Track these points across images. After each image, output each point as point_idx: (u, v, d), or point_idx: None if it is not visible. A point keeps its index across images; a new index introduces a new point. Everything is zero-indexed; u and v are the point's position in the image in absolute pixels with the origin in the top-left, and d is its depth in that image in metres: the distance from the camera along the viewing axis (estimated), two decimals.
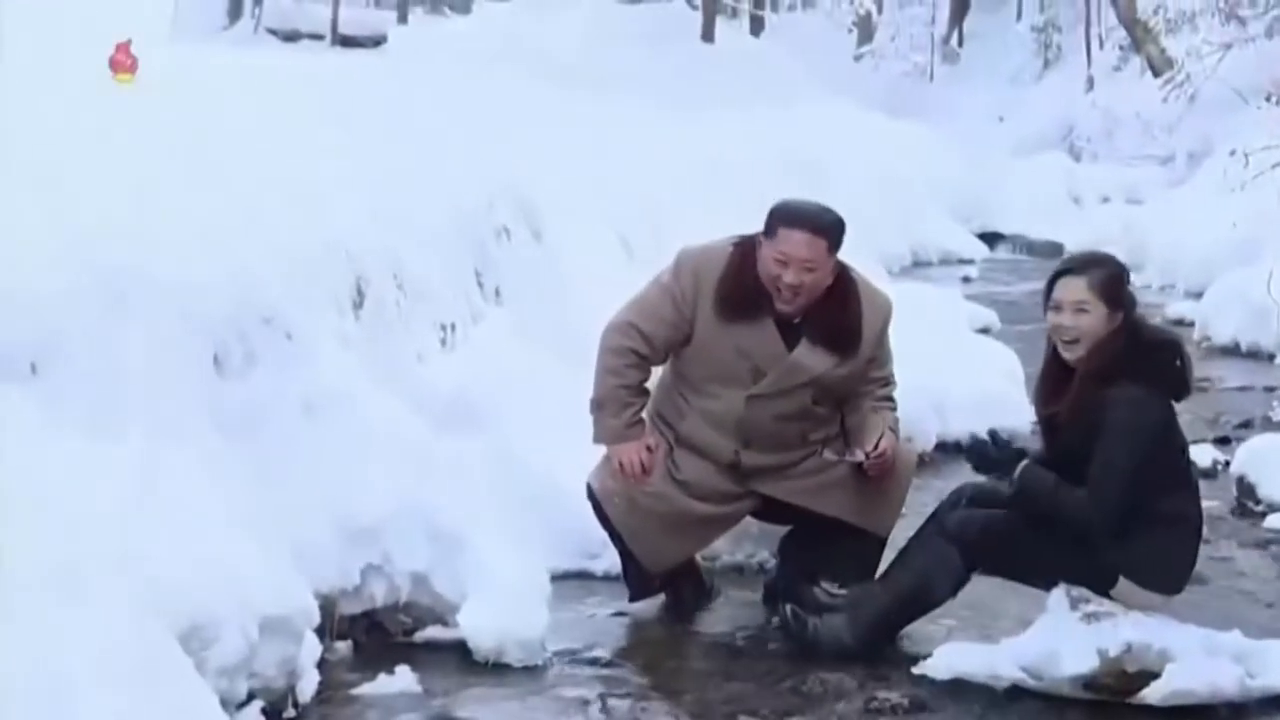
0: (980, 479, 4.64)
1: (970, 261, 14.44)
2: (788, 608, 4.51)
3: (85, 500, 3.52)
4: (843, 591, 4.47)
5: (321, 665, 4.02)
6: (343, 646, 4.31)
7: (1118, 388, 4.21)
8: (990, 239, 15.69)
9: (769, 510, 4.70)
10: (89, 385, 3.97)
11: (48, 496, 3.46)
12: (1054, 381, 4.38)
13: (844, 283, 4.54)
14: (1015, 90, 25.19)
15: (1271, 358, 9.22)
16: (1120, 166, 18.58)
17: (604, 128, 10.20)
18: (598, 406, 4.57)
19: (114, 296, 4.15)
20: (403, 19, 28.37)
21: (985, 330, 9.11)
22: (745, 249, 4.52)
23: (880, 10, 28.73)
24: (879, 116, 17.55)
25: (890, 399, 4.67)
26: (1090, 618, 4.17)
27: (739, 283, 4.48)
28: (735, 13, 28.11)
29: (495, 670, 4.25)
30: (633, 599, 4.74)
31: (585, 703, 4.08)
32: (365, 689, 4.08)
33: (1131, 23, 21.02)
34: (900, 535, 4.64)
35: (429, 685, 4.13)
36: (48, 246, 4.17)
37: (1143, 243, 13.06)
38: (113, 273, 4.19)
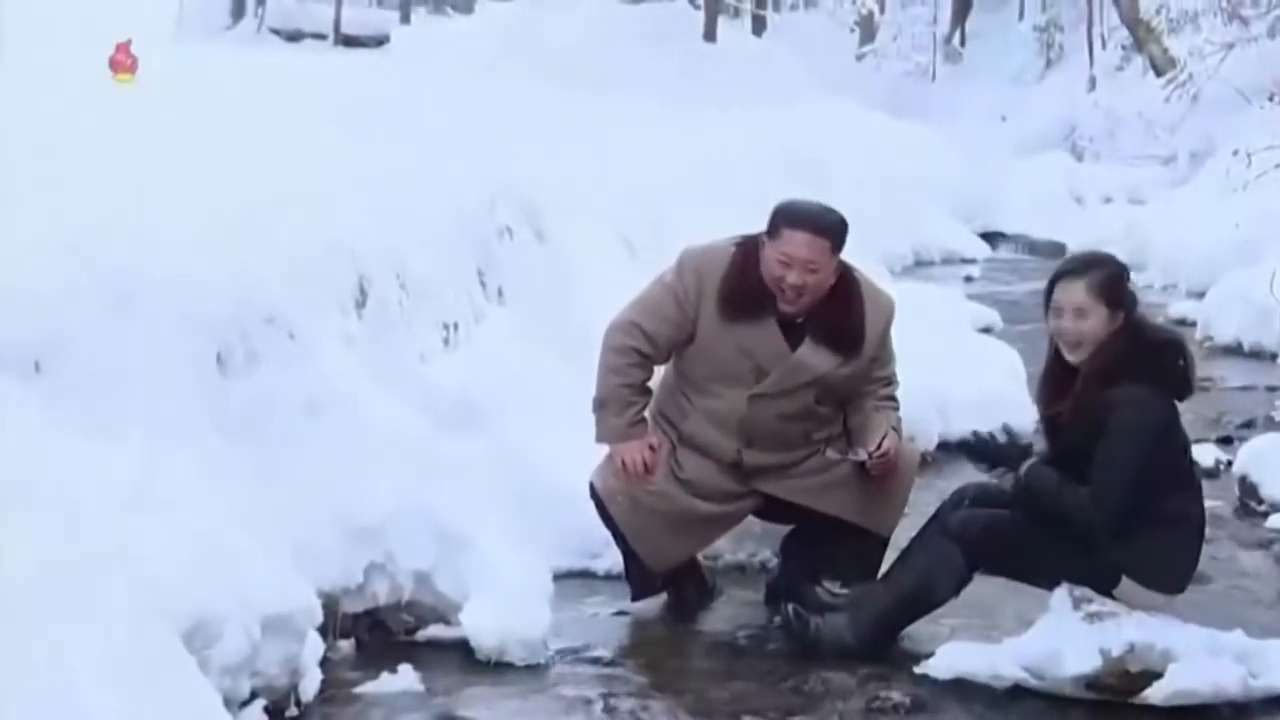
0: (982, 479, 4.65)
1: (972, 261, 14.43)
2: (790, 607, 4.51)
3: (87, 499, 3.53)
4: (845, 591, 4.47)
5: (324, 664, 4.02)
6: (345, 645, 4.31)
7: (1121, 388, 4.21)
8: (992, 239, 15.68)
9: (771, 509, 4.70)
10: (91, 384, 3.97)
11: (50, 495, 3.46)
12: (1057, 382, 4.38)
13: (847, 282, 4.54)
14: (1017, 90, 25.17)
15: (1274, 357, 9.21)
16: (1122, 166, 18.57)
17: (606, 127, 10.21)
18: (600, 405, 4.58)
19: (116, 296, 4.16)
20: (405, 19, 28.38)
21: (987, 330, 9.11)
22: (748, 249, 4.52)
23: (882, 10, 28.69)
24: (881, 116, 17.54)
25: (893, 398, 4.67)
26: (1093, 617, 4.17)
27: (742, 282, 4.48)
28: (737, 12, 28.11)
29: (497, 669, 4.26)
30: (635, 598, 4.74)
31: (587, 702, 4.09)
32: (368, 687, 4.08)
33: (1134, 22, 21.01)
34: (903, 535, 4.64)
35: (431, 684, 4.13)
36: (50, 246, 4.17)
37: (1145, 242, 13.06)
38: (115, 272, 4.19)
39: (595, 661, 4.37)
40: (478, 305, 5.96)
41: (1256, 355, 9.30)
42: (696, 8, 23.91)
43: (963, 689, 4.18)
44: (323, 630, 4.01)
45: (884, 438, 4.52)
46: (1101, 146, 20.30)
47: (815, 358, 4.50)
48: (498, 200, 6.41)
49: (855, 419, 4.63)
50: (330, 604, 4.14)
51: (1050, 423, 4.42)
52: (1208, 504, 4.50)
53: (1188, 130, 18.08)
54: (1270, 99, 15.26)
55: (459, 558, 4.36)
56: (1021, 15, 27.86)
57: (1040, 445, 4.54)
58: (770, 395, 4.50)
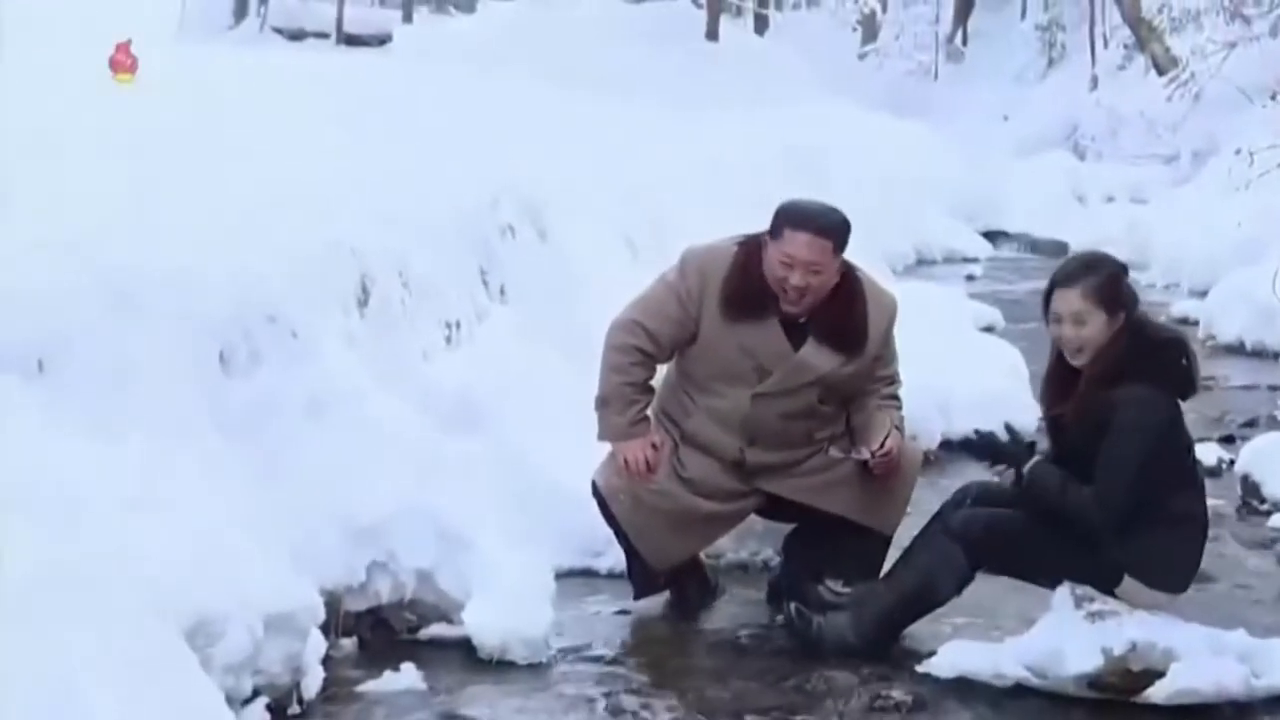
0: (985, 477, 4.64)
1: (974, 260, 14.43)
2: (792, 606, 4.51)
3: (89, 498, 3.53)
4: (847, 590, 4.47)
5: (326, 662, 4.02)
6: (348, 643, 4.31)
7: (1123, 387, 4.21)
8: (994, 237, 15.68)
9: (774, 508, 4.70)
10: (93, 384, 3.98)
11: (50, 495, 3.46)
12: (1060, 382, 4.38)
13: (850, 282, 4.53)
14: (1019, 89, 25.17)
15: (1276, 356, 9.21)
16: (1124, 165, 18.57)
17: (608, 126, 10.21)
18: (603, 404, 4.58)
19: (117, 295, 4.16)
20: (408, 18, 28.39)
21: (989, 329, 9.10)
22: (750, 248, 4.51)
23: (885, 9, 28.69)
24: (883, 115, 17.55)
25: (896, 397, 4.67)
26: (1095, 616, 4.17)
27: (744, 282, 4.48)
28: (740, 11, 28.12)
29: (499, 668, 4.26)
30: (637, 597, 4.74)
31: (589, 700, 4.09)
32: (370, 686, 4.08)
33: (1136, 21, 21.01)
34: (905, 534, 4.64)
35: (433, 682, 4.13)
36: (51, 245, 4.18)
37: (1147, 242, 13.06)
38: (116, 271, 4.19)
39: (597, 660, 4.37)
40: (480, 304, 5.97)
41: (1259, 354, 9.30)
42: (699, 7, 23.90)
43: (965, 688, 4.18)
44: (325, 629, 4.02)
45: (887, 437, 4.52)
46: (1103, 145, 20.30)
47: (818, 357, 4.50)
48: (500, 199, 6.41)
49: (858, 418, 4.63)
50: (332, 602, 4.14)
51: (1053, 423, 4.42)
52: (1210, 503, 4.50)
53: (1190, 129, 18.08)
54: (1273, 98, 15.28)
55: (461, 556, 4.36)
56: (1024, 14, 27.86)
57: (1044, 444, 4.54)
58: (773, 394, 4.50)
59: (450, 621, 4.38)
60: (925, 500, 4.89)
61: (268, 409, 4.36)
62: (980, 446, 4.48)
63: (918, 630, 4.50)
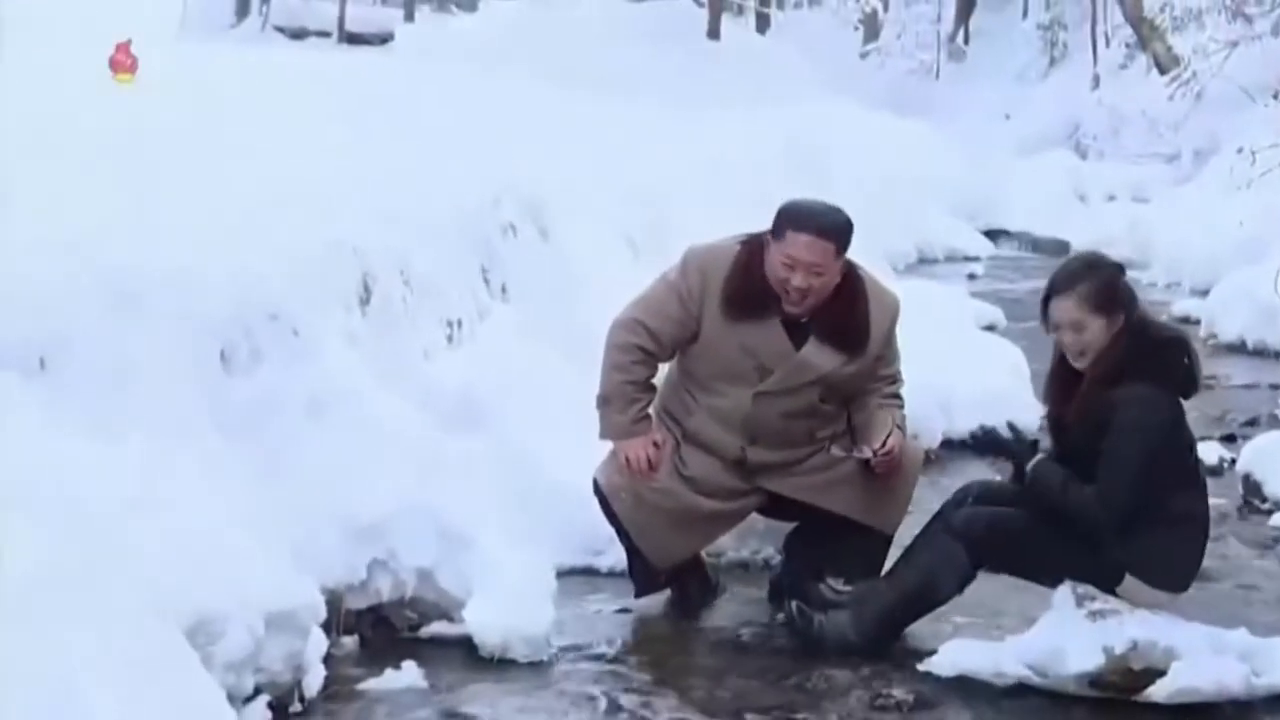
0: (986, 476, 4.64)
1: (976, 259, 14.43)
2: (793, 604, 4.51)
3: (89, 497, 3.53)
4: (848, 588, 4.47)
5: (327, 660, 4.02)
6: (349, 642, 4.31)
7: (1125, 387, 4.21)
8: (996, 236, 15.68)
9: (775, 507, 4.70)
10: (93, 383, 3.98)
11: (51, 494, 3.46)
12: (1063, 382, 4.38)
13: (852, 281, 4.53)
14: (1021, 88, 25.16)
15: (1278, 355, 9.21)
16: (1126, 164, 18.57)
17: (609, 125, 10.21)
18: (604, 402, 4.58)
19: (118, 294, 4.16)
20: (409, 17, 28.38)
21: (991, 327, 9.10)
22: (752, 248, 4.51)
23: (886, 8, 28.68)
24: (885, 114, 17.54)
25: (897, 396, 4.67)
26: (1096, 615, 4.17)
27: (745, 282, 4.47)
28: (741, 10, 28.11)
29: (500, 666, 4.26)
30: (638, 595, 4.74)
31: (590, 698, 4.09)
32: (371, 684, 4.09)
33: (1138, 20, 21.00)
34: (906, 533, 4.64)
35: (434, 680, 4.13)
36: (51, 244, 4.18)
37: (1149, 241, 13.06)
38: (117, 270, 4.20)
39: (598, 658, 4.37)
40: (481, 302, 5.97)
41: (1260, 353, 9.30)
42: (700, 5, 23.90)
43: (966, 686, 4.18)
44: (326, 627, 4.02)
45: (888, 435, 4.52)
46: (1105, 144, 20.29)
47: (819, 357, 4.50)
48: (501, 198, 6.41)
49: (859, 416, 4.62)
50: (333, 600, 4.14)
51: (1055, 422, 4.42)
52: (1211, 502, 4.49)
53: (1192, 128, 18.07)
54: (1275, 96, 15.27)
55: (462, 555, 4.36)
56: (1025, 13, 27.84)
57: (1045, 442, 4.54)
58: (774, 393, 4.50)
59: (451, 620, 4.38)
60: (926, 499, 4.89)
61: (269, 408, 4.36)
62: (983, 442, 4.48)
63: (919, 629, 4.50)
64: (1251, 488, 6.01)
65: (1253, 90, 16.75)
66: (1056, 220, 15.78)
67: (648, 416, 4.61)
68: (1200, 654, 4.09)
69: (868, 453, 4.51)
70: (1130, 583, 4.26)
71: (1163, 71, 19.78)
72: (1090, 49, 23.81)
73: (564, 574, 4.75)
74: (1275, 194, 11.18)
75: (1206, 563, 4.49)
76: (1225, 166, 12.71)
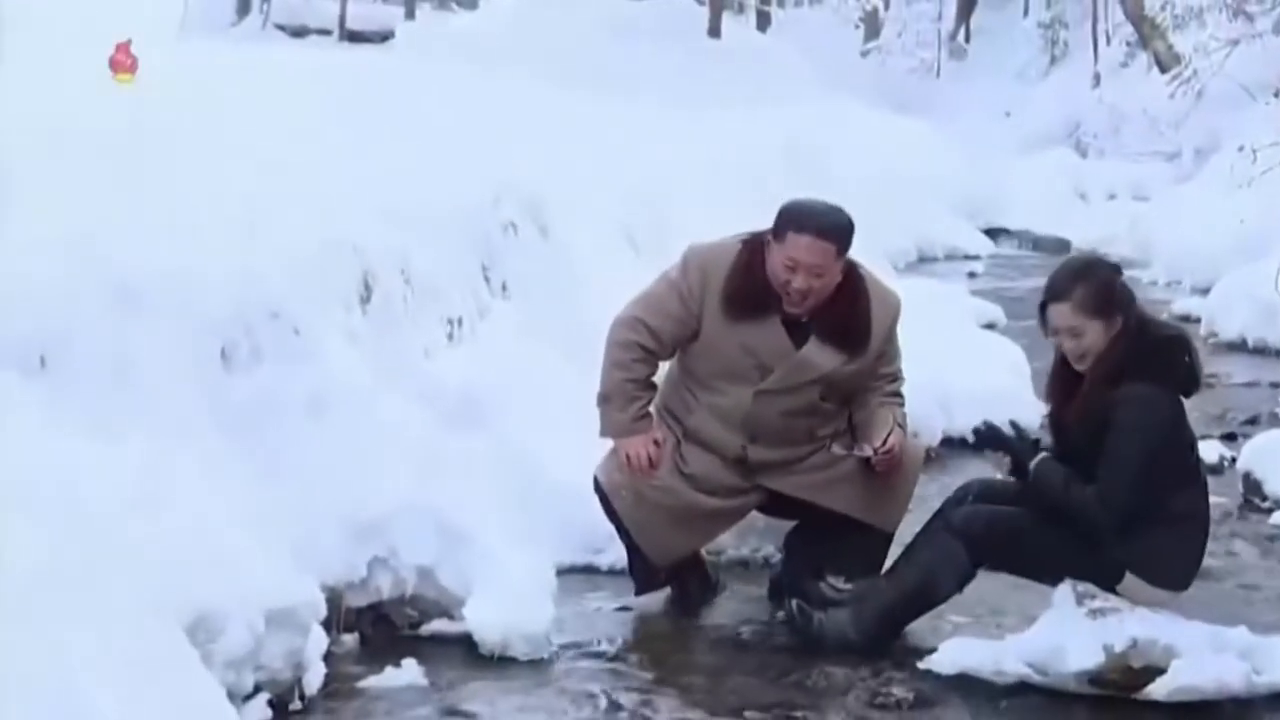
0: (986, 474, 4.64)
1: (976, 257, 14.43)
2: (793, 602, 4.51)
3: (90, 494, 3.53)
4: (848, 586, 4.47)
5: (327, 658, 4.02)
6: (349, 639, 4.31)
7: (1126, 386, 4.21)
8: (996, 235, 15.68)
9: (775, 505, 4.70)
10: (94, 381, 3.98)
11: (52, 492, 3.46)
12: (1064, 382, 4.38)
13: (853, 280, 4.52)
14: (1022, 86, 25.16)
15: (1278, 354, 9.21)
16: (1127, 162, 18.57)
17: (610, 124, 10.20)
18: (604, 400, 4.58)
19: (120, 292, 4.16)
20: (410, 14, 28.36)
21: (991, 326, 9.10)
22: (753, 247, 4.51)
23: (887, 6, 28.66)
24: (885, 112, 17.54)
25: (898, 394, 4.67)
26: (1096, 613, 4.17)
27: (746, 281, 4.47)
28: (742, 8, 28.09)
29: (501, 664, 4.26)
30: (638, 593, 4.74)
31: (590, 696, 4.09)
32: (371, 682, 4.09)
33: (1138, 19, 20.99)
34: (907, 531, 4.64)
35: (435, 678, 4.14)
36: (52, 243, 4.18)
37: (1149, 239, 13.05)
38: (117, 268, 4.20)
39: (598, 656, 4.37)
40: (482, 301, 5.97)
41: (1261, 351, 9.30)
42: (701, 3, 23.89)
43: (966, 685, 4.18)
44: (326, 624, 4.02)
45: (889, 434, 4.51)
46: (1106, 143, 20.28)
47: (820, 356, 4.49)
48: (501, 196, 6.41)
49: (860, 415, 4.62)
50: (334, 598, 4.15)
51: (1057, 422, 4.42)
52: (1212, 500, 4.49)
53: (1192, 126, 18.06)
54: (1275, 95, 15.26)
55: (462, 553, 4.36)
56: (1026, 12, 27.83)
57: (1046, 440, 4.53)
58: (775, 392, 4.50)
59: (451, 617, 4.38)
60: (926, 497, 4.90)
61: (269, 406, 4.37)
62: (985, 436, 4.46)
63: (919, 627, 4.50)
64: (1252, 486, 6.01)
65: (1253, 88, 16.75)
66: (1057, 218, 15.78)
67: (648, 414, 4.61)
68: (1200, 652, 4.09)
69: (868, 451, 4.51)
70: (1131, 581, 4.26)
71: (1163, 70, 19.77)
72: (1091, 47, 23.81)
73: (564, 572, 4.76)
74: (1276, 192, 11.16)
75: (1207, 561, 4.49)
76: (1226, 165, 12.69)
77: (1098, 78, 22.76)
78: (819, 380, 4.51)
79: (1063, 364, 4.38)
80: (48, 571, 3.19)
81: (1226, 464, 6.38)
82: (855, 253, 4.59)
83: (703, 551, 4.85)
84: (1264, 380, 8.48)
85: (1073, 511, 4.25)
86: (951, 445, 6.41)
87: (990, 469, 4.59)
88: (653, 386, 4.63)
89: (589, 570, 5.00)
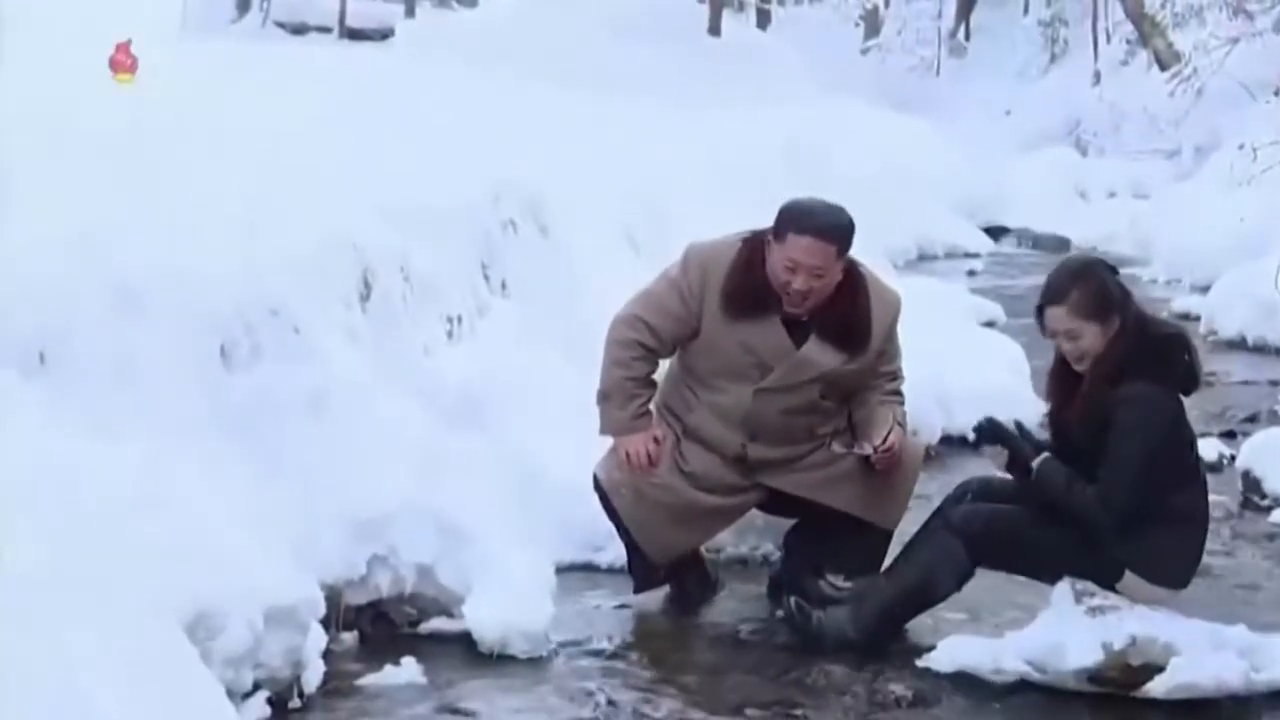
0: (985, 473, 4.64)
1: (976, 255, 14.42)
2: (792, 600, 4.51)
3: (91, 492, 3.53)
4: (847, 585, 4.48)
5: (327, 656, 4.02)
6: (348, 637, 4.32)
7: (1126, 385, 4.21)
8: (996, 233, 15.67)
9: (775, 503, 4.70)
10: (95, 379, 3.99)
11: (55, 487, 3.47)
12: (1064, 382, 4.38)
13: (853, 279, 4.52)
14: (1022, 84, 25.16)
15: (1278, 352, 9.21)
16: (1127, 161, 18.56)
17: (609, 122, 10.20)
18: (604, 398, 4.58)
19: (120, 290, 4.17)
20: (410, 12, 28.36)
21: (990, 324, 9.10)
22: (754, 245, 4.50)
23: (887, 4, 28.65)
24: (885, 111, 17.53)
25: (898, 393, 4.66)
26: (1095, 611, 4.18)
27: (746, 280, 4.47)
28: (742, 6, 28.08)
29: (500, 662, 4.26)
30: (637, 591, 4.74)
31: (589, 694, 4.09)
32: (370, 679, 4.09)
33: (1138, 17, 20.99)
34: (906, 529, 4.64)
35: (434, 676, 4.14)
36: (53, 240, 4.19)
37: (1149, 237, 13.05)
38: (118, 266, 4.20)
39: (597, 654, 4.37)
40: (482, 299, 5.98)
41: (1260, 350, 9.30)
42: (701, 1, 23.88)
43: (964, 682, 4.18)
44: (325, 622, 4.02)
45: (889, 432, 4.51)
46: (1106, 141, 20.28)
47: (820, 355, 4.49)
48: (501, 194, 6.41)
49: (860, 413, 4.62)
50: (333, 596, 4.15)
51: (1057, 422, 4.42)
52: (1211, 499, 4.50)
53: (1192, 124, 18.05)
54: (1275, 93, 15.26)
55: (461, 551, 4.37)
56: (1026, 10, 27.83)
57: (1045, 438, 4.54)
58: (775, 390, 4.50)
59: (450, 616, 4.38)
60: (926, 495, 4.89)
61: (269, 404, 4.37)
62: (987, 432, 4.45)
63: (918, 625, 4.50)
64: (1251, 484, 6.01)
65: (1253, 87, 16.74)
66: (1057, 217, 15.77)
67: (648, 412, 4.61)
68: (1199, 650, 4.09)
69: (868, 449, 4.51)
70: (1130, 579, 4.26)
71: (1163, 68, 19.76)
72: (1091, 45, 23.81)
73: (563, 570, 4.76)
74: (1276, 190, 11.17)
75: (1206, 559, 4.49)
76: (1226, 163, 12.69)
77: (1098, 76, 22.76)
78: (819, 379, 4.51)
79: (1062, 364, 4.38)
80: (48, 570, 3.19)
81: (1226, 462, 6.38)
82: (855, 251, 4.58)
83: (702, 549, 4.85)
84: (1263, 378, 8.48)
85: (1074, 512, 4.25)
86: (951, 443, 6.41)
87: (990, 468, 4.58)
88: (652, 384, 4.63)
89: (588, 568, 5.01)
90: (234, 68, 8.47)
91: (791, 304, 4.45)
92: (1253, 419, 7.34)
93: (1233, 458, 6.31)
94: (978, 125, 21.65)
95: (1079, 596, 4.22)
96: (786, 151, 12.30)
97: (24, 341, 3.99)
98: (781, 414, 4.53)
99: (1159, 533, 4.25)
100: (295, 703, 3.87)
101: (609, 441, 4.62)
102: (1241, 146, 11.86)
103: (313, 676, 3.93)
